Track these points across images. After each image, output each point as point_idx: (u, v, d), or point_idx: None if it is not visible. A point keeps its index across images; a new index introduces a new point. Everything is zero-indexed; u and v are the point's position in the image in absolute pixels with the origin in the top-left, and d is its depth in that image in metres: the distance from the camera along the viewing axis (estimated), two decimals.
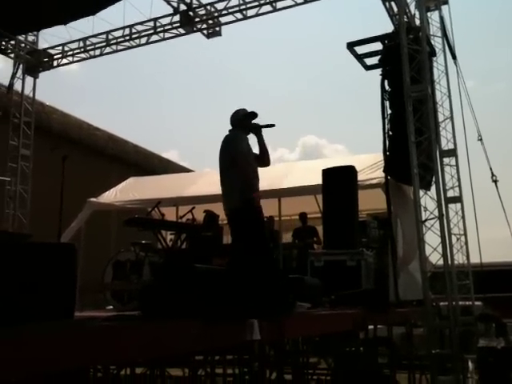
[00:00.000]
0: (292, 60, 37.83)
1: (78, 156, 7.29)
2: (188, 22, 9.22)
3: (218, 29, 9.55)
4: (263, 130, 4.59)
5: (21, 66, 9.69)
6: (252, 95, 37.18)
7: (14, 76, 9.55)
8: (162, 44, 9.63)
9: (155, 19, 9.35)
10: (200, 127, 35.81)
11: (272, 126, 4.69)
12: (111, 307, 6.64)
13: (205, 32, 9.53)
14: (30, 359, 1.85)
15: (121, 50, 9.72)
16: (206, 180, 10.14)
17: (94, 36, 9.67)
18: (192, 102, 35.69)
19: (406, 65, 6.85)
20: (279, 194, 8.77)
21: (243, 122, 4.57)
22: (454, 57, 7.93)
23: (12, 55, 9.67)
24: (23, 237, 5.62)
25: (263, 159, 4.66)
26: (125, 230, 6.41)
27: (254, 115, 4.59)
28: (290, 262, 8.50)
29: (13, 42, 9.60)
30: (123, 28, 9.46)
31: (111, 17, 9.15)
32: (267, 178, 9.30)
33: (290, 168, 10.12)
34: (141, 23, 9.42)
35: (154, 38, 9.50)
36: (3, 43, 9.51)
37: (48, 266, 2.49)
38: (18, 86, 9.82)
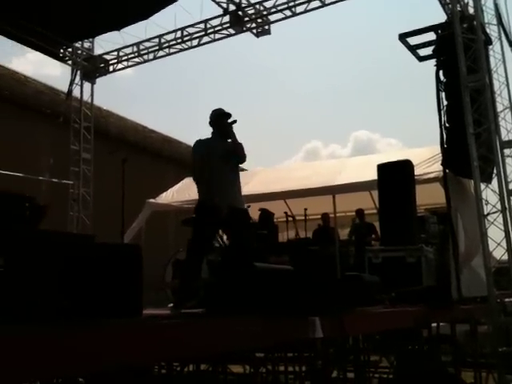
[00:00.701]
0: (341, 54, 37.44)
1: (135, 158, 7.47)
2: (237, 21, 9.28)
3: (267, 27, 9.57)
4: (233, 126, 4.84)
5: (78, 72, 10.03)
6: (300, 91, 37.06)
7: (72, 82, 9.90)
8: (210, 45, 9.75)
9: (206, 21, 9.46)
10: (248, 126, 36.02)
11: (234, 121, 4.87)
12: (172, 305, 6.80)
13: (254, 31, 9.57)
14: (105, 353, 1.92)
15: (173, 53, 9.89)
16: (260, 178, 10.21)
17: (147, 40, 9.89)
18: (240, 100, 35.94)
19: (461, 54, 6.64)
20: (334, 190, 8.73)
21: (218, 121, 4.84)
22: (510, 44, 7.65)
23: (70, 62, 10.03)
24: (88, 238, 5.83)
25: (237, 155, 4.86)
26: (182, 229, 6.54)
27: (228, 115, 4.84)
28: (348, 260, 8.44)
29: (70, 50, 9.95)
30: (175, 31, 9.63)
31: (163, 20, 9.30)
32: (321, 175, 9.31)
33: (343, 164, 10.05)
34: (192, 25, 9.54)
35: (205, 39, 9.61)
36: (61, 51, 9.88)
37: (116, 265, 2.58)
38: (76, 92, 10.19)
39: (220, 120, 4.85)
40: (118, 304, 2.51)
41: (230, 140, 4.86)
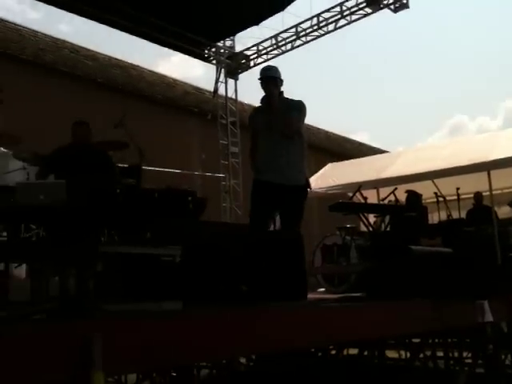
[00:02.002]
0: (482, 21, 34.60)
1: None
2: (374, 0, 9.09)
3: (405, 1, 9.22)
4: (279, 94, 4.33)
5: (222, 70, 10.54)
6: (441, 63, 34.96)
7: (217, 81, 10.45)
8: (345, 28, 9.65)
9: (341, 4, 9.38)
10: (387, 106, 34.89)
11: (281, 93, 4.36)
12: (323, 289, 6.92)
13: (391, 7, 9.27)
14: (280, 334, 2.07)
15: (310, 41, 9.98)
16: (404, 160, 9.90)
17: (285, 31, 10.07)
18: (377, 80, 34.92)
19: None
20: (488, 166, 8.18)
21: (261, 86, 4.36)
22: None
23: (214, 61, 10.59)
24: (242, 227, 6.16)
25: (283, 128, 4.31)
26: (327, 215, 6.61)
27: (266, 80, 4.30)
28: (507, 240, 7.89)
29: (214, 50, 10.50)
30: (311, 18, 9.68)
31: (299, 9, 9.40)
32: (471, 151, 8.78)
33: (496, 138, 9.36)
34: (327, 10, 9.54)
35: (342, 22, 9.55)
36: (206, 51, 10.46)
37: (282, 251, 2.73)
38: (221, 89, 10.72)
39: (262, 85, 4.36)
40: (286, 288, 2.67)
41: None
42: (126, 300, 4.17)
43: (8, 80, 5.55)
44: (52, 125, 8.78)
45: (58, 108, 9.67)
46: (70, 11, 8.56)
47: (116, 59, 12.43)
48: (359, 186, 6.98)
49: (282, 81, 4.41)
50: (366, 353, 6.26)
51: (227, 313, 1.95)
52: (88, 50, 11.93)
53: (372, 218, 6.90)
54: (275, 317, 2.06)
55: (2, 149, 5.29)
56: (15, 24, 11.05)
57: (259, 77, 4.36)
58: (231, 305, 2.06)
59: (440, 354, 5.99)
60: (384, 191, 7.83)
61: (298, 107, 4.39)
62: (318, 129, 17.76)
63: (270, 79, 4.35)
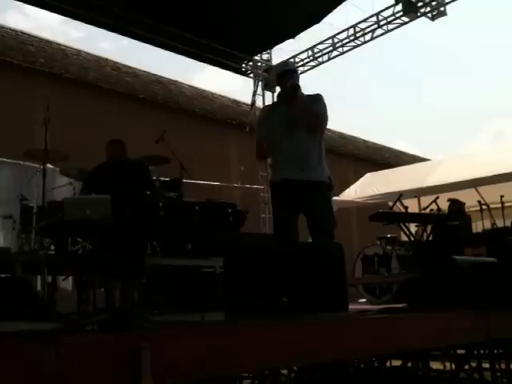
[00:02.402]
0: None
1: None
2: (411, 8, 9.03)
3: (442, 9, 9.14)
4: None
5: (259, 83, 10.66)
6: (480, 68, 34.23)
7: (254, 94, 10.56)
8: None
9: (377, 13, 9.37)
10: (425, 113, 34.38)
11: (296, 87, 4.08)
12: (364, 300, 6.87)
13: (429, 15, 9.20)
14: (324, 345, 2.10)
15: (346, 52, 9.98)
16: (446, 167, 9.75)
17: (321, 43, 10.12)
18: (414, 87, 34.48)
19: None
20: None
21: (279, 82, 4.20)
22: None
23: (251, 75, 10.72)
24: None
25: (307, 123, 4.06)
26: (367, 224, 6.58)
27: (287, 75, 4.10)
28: None
29: (251, 63, 10.64)
30: (347, 29, 9.70)
31: (335, 20, 9.42)
32: None
33: None
34: (364, 20, 9.54)
35: (378, 32, 9.52)
36: (243, 65, 10.61)
37: (322, 262, 2.76)
38: (258, 101, 10.82)
39: (280, 81, 4.16)
40: (326, 299, 2.69)
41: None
42: (169, 311, 4.28)
43: (53, 98, 5.78)
44: (96, 141, 9.04)
45: (102, 124, 9.98)
46: (111, 30, 8.84)
47: (156, 75, 12.73)
48: (400, 195, 6.92)
49: (298, 76, 4.33)
50: (409, 364, 6.17)
51: (272, 323, 1.99)
52: (129, 67, 12.27)
53: (413, 228, 6.82)
54: (319, 328, 2.09)
55: (50, 165, 5.51)
56: (59, 44, 11.49)
57: (278, 72, 4.21)
58: (273, 316, 2.10)
59: (486, 365, 5.84)
60: (425, 200, 7.74)
61: (319, 99, 4.16)
62: (356, 138, 17.67)
63: (292, 72, 4.23)
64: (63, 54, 11.32)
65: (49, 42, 11.27)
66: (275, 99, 4.70)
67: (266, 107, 4.29)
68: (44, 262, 4.08)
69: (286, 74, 4.11)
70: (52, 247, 4.84)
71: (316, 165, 4.04)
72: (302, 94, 4.17)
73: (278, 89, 4.45)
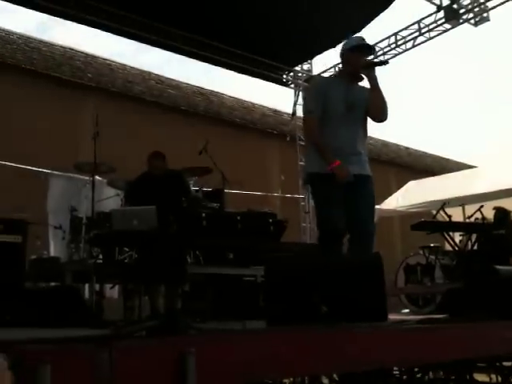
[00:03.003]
0: None
1: None
2: (453, 15, 8.94)
3: (485, 15, 9.01)
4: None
5: (300, 93, 10.73)
6: None
7: (295, 103, 10.65)
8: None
9: (419, 21, 9.31)
10: (469, 120, 33.60)
11: (383, 63, 3.64)
12: (407, 310, 6.80)
13: (472, 21, 9.08)
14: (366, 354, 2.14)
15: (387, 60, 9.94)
16: (491, 175, 9.55)
17: None
18: (456, 94, 33.78)
19: None
20: None
21: (348, 56, 3.69)
22: None
23: (292, 85, 10.81)
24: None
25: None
26: (409, 233, 6.53)
27: (362, 48, 3.61)
28: None
29: (291, 74, 10.74)
30: (388, 37, 9.67)
31: (375, 29, 9.41)
32: None
33: None
34: (405, 28, 9.49)
35: (420, 39, 9.45)
36: (284, 76, 10.72)
37: (362, 272, 2.80)
38: (299, 111, 10.88)
39: (350, 55, 3.66)
40: (366, 309, 2.72)
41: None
42: (211, 319, 4.39)
43: (100, 112, 6.02)
44: (140, 153, 9.32)
45: (146, 137, 10.26)
46: (153, 45, 9.11)
47: (197, 87, 13.00)
48: (443, 204, 6.82)
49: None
50: (453, 377, 6.07)
51: (312, 331, 2.05)
52: (172, 80, 12.58)
53: (458, 237, 6.73)
54: (358, 336, 2.14)
55: (98, 177, 5.74)
56: (104, 58, 11.91)
57: (354, 44, 3.65)
58: (313, 325, 2.16)
59: None
60: (470, 208, 7.60)
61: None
62: (398, 145, 17.48)
63: (370, 49, 3.78)
64: (109, 68, 11.72)
65: (95, 57, 11.70)
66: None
67: (320, 78, 3.55)
68: (93, 271, 4.25)
69: (364, 49, 3.67)
70: (100, 256, 5.03)
71: (366, 157, 3.76)
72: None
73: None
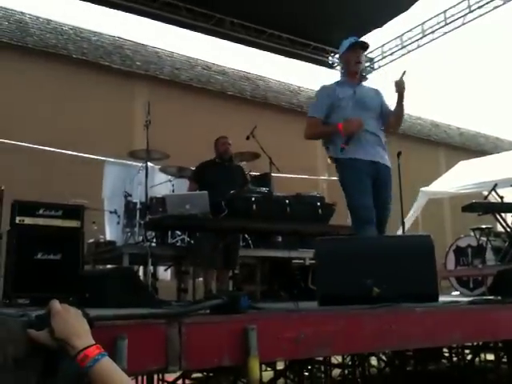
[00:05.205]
0: None
1: (406, 147, 7.50)
2: None
3: None
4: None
5: None
6: None
7: None
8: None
9: None
10: None
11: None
12: (457, 293, 6.73)
13: None
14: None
15: (436, 38, 9.74)
16: None
17: (410, 31, 9.95)
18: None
19: None
20: None
21: (345, 55, 3.83)
22: None
23: (338, 67, 10.73)
24: None
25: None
26: (459, 215, 6.44)
27: (358, 46, 3.70)
28: None
29: (337, 56, 10.65)
30: (437, 15, 9.47)
31: (424, 7, 9.22)
32: None
33: None
34: (454, 6, 9.27)
35: (469, 17, 9.22)
36: (330, 58, 10.67)
37: (413, 254, 2.84)
38: None
39: (348, 54, 3.79)
40: (417, 290, 2.76)
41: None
42: (262, 300, 4.51)
43: (151, 99, 6.19)
44: (189, 139, 9.54)
45: (194, 123, 10.45)
46: (200, 32, 9.24)
47: (244, 72, 13.07)
48: (495, 185, 6.68)
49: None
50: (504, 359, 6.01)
51: (364, 310, 2.13)
52: (218, 66, 12.70)
53: (510, 218, 6.59)
54: (408, 315, 2.21)
55: (150, 164, 5.93)
56: (153, 46, 12.13)
57: (352, 42, 3.75)
58: (364, 305, 2.24)
59: None
60: None
61: (383, 96, 3.97)
62: (449, 125, 17.08)
63: (366, 48, 3.90)
64: (157, 56, 11.93)
65: (143, 45, 11.93)
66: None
67: (326, 85, 3.77)
68: (149, 254, 4.44)
69: (364, 46, 3.83)
70: (154, 240, 5.22)
71: (386, 149, 3.85)
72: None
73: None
